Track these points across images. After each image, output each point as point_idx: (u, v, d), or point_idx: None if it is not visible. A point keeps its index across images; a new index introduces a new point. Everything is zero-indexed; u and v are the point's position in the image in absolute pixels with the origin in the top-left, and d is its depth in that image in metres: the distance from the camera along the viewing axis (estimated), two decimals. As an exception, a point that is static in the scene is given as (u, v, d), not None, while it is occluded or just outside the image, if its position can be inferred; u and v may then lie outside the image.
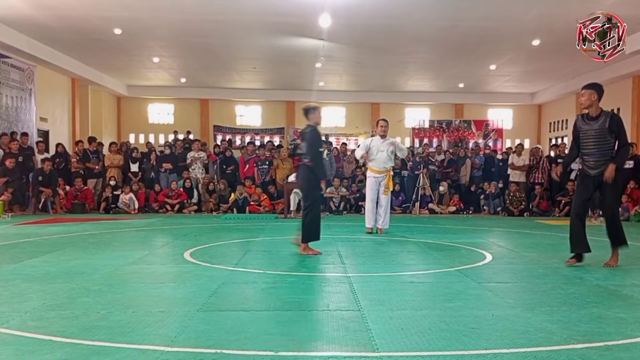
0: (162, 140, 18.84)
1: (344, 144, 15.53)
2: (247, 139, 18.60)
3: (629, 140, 12.68)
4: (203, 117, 20.37)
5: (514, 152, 13.42)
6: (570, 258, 5.34)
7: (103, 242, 6.85)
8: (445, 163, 13.63)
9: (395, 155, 8.28)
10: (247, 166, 12.90)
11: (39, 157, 12.27)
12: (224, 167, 13.23)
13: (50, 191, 11.41)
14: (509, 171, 13.01)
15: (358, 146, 8.83)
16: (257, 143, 16.08)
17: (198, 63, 15.64)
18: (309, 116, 5.87)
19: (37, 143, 12.75)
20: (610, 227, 5.23)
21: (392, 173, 8.37)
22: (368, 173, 8.21)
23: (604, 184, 5.07)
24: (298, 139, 6.29)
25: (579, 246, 5.24)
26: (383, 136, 8.03)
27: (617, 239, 5.25)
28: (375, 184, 8.01)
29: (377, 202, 8.04)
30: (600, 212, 11.60)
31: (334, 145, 14.45)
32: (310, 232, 5.63)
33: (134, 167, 12.95)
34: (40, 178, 11.32)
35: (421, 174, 12.26)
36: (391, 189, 8.21)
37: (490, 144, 18.09)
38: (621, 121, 5.08)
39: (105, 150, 13.52)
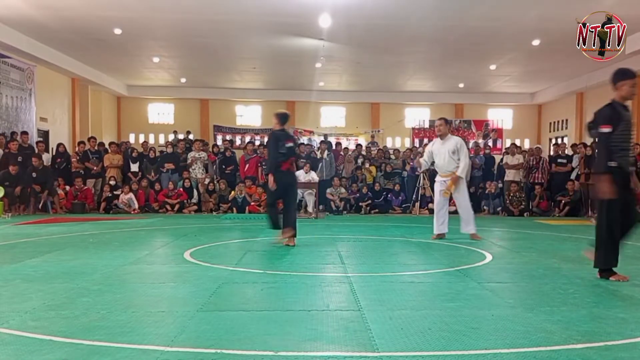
0: (162, 140, 18.85)
1: (341, 144, 15.46)
2: (247, 139, 18.57)
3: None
4: (203, 117, 20.38)
5: (507, 153, 13.43)
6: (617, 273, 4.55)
7: (103, 242, 6.85)
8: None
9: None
10: (248, 166, 12.89)
11: (38, 157, 12.25)
12: (223, 167, 13.22)
13: (39, 187, 11.19)
14: (506, 171, 13.00)
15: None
16: (257, 143, 16.05)
17: (198, 63, 15.64)
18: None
19: (37, 143, 12.73)
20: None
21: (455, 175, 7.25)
22: (437, 177, 7.55)
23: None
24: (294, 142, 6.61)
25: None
26: (441, 136, 7.37)
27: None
28: (441, 187, 7.35)
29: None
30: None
31: (334, 146, 14.43)
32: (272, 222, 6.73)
33: (134, 167, 12.95)
34: (34, 175, 11.17)
35: (421, 174, 12.25)
36: (451, 191, 7.25)
37: (490, 144, 18.08)
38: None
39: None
